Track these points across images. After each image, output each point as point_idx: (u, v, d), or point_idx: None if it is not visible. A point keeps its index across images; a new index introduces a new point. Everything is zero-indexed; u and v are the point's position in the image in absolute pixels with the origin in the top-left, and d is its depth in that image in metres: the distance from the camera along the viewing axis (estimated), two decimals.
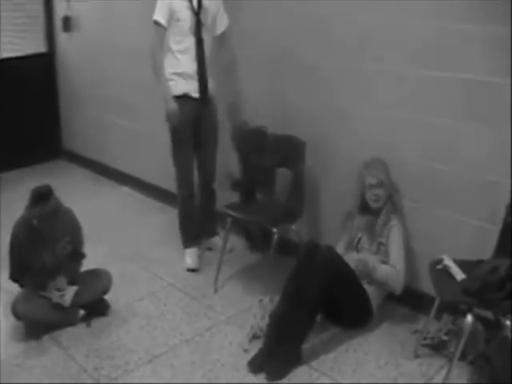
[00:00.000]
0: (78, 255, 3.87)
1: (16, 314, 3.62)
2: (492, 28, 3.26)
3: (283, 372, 3.33)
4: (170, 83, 4.22)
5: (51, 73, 7.10)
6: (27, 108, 6.80)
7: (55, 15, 6.83)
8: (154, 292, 4.23)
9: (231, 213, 4.15)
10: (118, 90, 6.15)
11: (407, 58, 3.67)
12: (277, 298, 3.56)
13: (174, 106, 4.19)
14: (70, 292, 3.74)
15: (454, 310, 3.50)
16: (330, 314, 3.67)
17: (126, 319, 3.89)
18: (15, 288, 3.79)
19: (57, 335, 3.72)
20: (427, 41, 3.55)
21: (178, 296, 4.18)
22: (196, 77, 4.21)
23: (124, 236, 5.15)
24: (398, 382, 3.30)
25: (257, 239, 4.70)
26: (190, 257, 4.56)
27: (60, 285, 3.71)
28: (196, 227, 4.68)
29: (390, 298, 3.79)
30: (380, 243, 3.75)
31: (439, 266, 3.31)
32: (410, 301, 3.89)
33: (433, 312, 3.39)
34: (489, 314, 3.29)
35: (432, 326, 3.55)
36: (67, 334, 3.73)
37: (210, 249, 4.78)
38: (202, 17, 4.16)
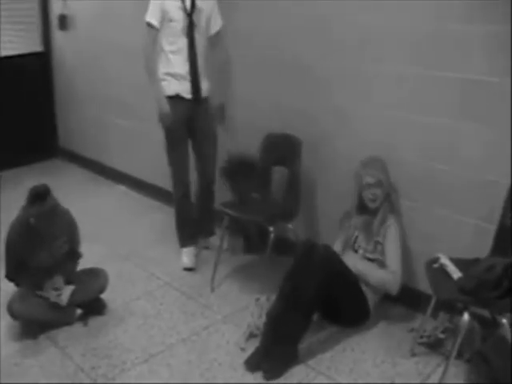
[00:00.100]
0: (74, 255, 3.86)
1: (12, 313, 3.61)
2: (491, 28, 3.26)
3: (280, 371, 3.33)
4: (163, 83, 4.21)
5: (47, 71, 7.10)
6: (23, 107, 6.80)
7: (51, 13, 6.83)
8: (150, 291, 4.22)
9: (228, 211, 4.15)
10: (115, 88, 6.15)
11: (406, 57, 3.67)
12: (274, 297, 3.55)
13: (165, 107, 4.19)
14: (67, 291, 3.73)
15: (451, 309, 3.50)
16: (327, 313, 3.67)
17: (122, 318, 3.88)
18: (11, 287, 3.78)
19: (53, 334, 3.71)
20: (426, 40, 3.55)
21: (175, 295, 4.18)
22: (188, 77, 4.20)
23: (121, 235, 5.15)
24: (395, 380, 3.30)
25: (254, 238, 4.69)
26: (186, 256, 4.56)
27: (57, 284, 3.70)
28: (192, 226, 4.67)
29: (387, 297, 3.79)
30: (377, 242, 3.74)
31: (436, 265, 3.31)
32: (407, 300, 3.89)
33: (429, 310, 3.40)
34: (485, 313, 3.29)
35: (428, 324, 3.56)
36: (64, 334, 3.72)
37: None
38: (195, 18, 4.14)
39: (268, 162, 4.42)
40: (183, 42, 4.15)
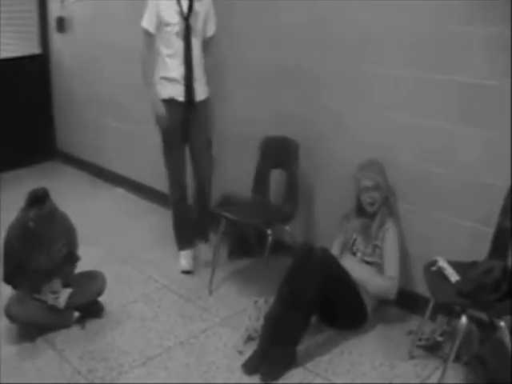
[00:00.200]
0: (72, 258, 3.86)
1: (10, 316, 3.60)
2: (491, 30, 3.26)
3: (278, 374, 3.33)
4: (158, 87, 4.22)
5: (45, 74, 7.09)
6: (21, 109, 6.78)
7: (49, 16, 6.82)
8: (148, 294, 4.22)
9: (225, 214, 4.14)
10: (113, 91, 6.15)
11: (405, 60, 3.68)
12: (272, 300, 3.56)
13: (161, 110, 4.21)
14: (65, 294, 3.73)
15: (449, 312, 3.50)
16: (325, 315, 3.67)
17: (120, 321, 3.88)
18: (8, 290, 3.77)
19: (51, 337, 3.71)
20: (425, 43, 3.56)
21: (173, 298, 4.17)
22: (182, 81, 4.18)
23: (119, 238, 5.15)
24: (393, 383, 3.30)
25: (252, 241, 4.68)
26: (184, 259, 4.55)
27: (55, 287, 3.70)
28: (190, 229, 4.66)
29: (385, 300, 3.79)
30: (375, 246, 3.75)
31: (434, 268, 3.31)
32: (405, 302, 3.89)
33: (427, 313, 3.39)
34: (483, 316, 3.29)
35: (427, 327, 3.56)
36: (61, 336, 3.72)
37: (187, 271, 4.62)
38: (192, 21, 4.12)
39: (265, 164, 4.43)
40: (179, 46, 4.13)
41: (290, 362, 3.40)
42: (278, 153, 4.35)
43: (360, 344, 3.65)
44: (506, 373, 3.03)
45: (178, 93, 4.20)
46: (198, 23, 4.16)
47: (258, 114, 4.64)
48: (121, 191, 6.21)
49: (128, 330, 3.79)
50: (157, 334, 3.75)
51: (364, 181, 3.74)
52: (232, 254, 4.69)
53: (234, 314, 3.95)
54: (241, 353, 3.51)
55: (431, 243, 3.73)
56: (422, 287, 3.59)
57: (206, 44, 4.30)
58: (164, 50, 4.18)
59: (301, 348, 3.46)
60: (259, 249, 4.28)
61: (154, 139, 4.62)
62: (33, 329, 3.71)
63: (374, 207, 3.77)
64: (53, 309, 3.70)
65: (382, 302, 3.81)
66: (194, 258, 4.60)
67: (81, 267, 3.93)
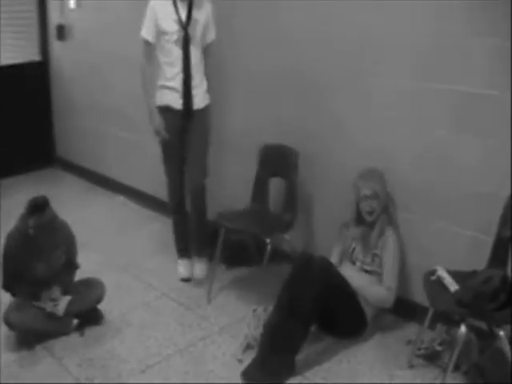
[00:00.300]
0: (72, 266, 3.86)
1: (8, 323, 3.60)
2: (492, 41, 3.27)
3: (277, 382, 3.32)
4: (157, 94, 4.24)
5: (45, 81, 7.09)
6: (21, 116, 6.78)
7: (49, 23, 6.83)
8: (147, 302, 4.22)
9: (224, 223, 4.15)
10: (112, 98, 6.15)
11: (406, 69, 3.69)
12: (271, 308, 3.56)
13: (158, 124, 4.24)
14: (64, 301, 3.73)
15: (448, 321, 3.50)
16: (324, 324, 3.67)
17: (119, 329, 3.88)
18: (7, 297, 3.77)
19: (50, 345, 3.70)
20: (426, 52, 3.57)
21: (172, 306, 4.17)
22: (180, 89, 4.18)
23: (118, 245, 5.14)
24: None
25: (251, 250, 4.68)
26: (182, 267, 4.55)
27: (54, 295, 3.70)
28: (187, 238, 4.65)
29: (384, 308, 3.79)
30: (374, 254, 3.75)
31: (433, 277, 3.32)
32: (404, 311, 3.89)
33: (426, 322, 3.38)
34: (482, 325, 3.30)
35: (426, 336, 3.55)
36: (60, 344, 3.71)
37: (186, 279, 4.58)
38: (191, 29, 4.10)
39: (265, 173, 4.43)
40: (178, 54, 4.12)
41: (289, 370, 3.39)
42: (277, 161, 4.35)
43: (359, 353, 3.65)
44: (506, 382, 3.04)
45: (176, 101, 4.20)
46: (196, 31, 4.14)
47: (257, 122, 4.65)
48: (121, 199, 6.20)
49: (127, 337, 3.79)
50: (156, 341, 3.74)
51: (363, 189, 3.75)
52: (230, 263, 4.68)
53: (232, 322, 3.95)
54: (240, 361, 3.51)
55: (430, 252, 3.73)
56: (420, 296, 3.60)
57: (206, 51, 4.29)
58: (163, 59, 4.19)
59: (300, 356, 3.46)
60: (258, 257, 4.28)
61: (153, 147, 4.63)
62: (32, 336, 3.70)
63: (373, 216, 3.78)
64: (52, 316, 3.70)
65: (382, 310, 3.81)
66: (193, 266, 4.59)
67: (80, 275, 3.93)
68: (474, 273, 3.20)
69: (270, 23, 4.40)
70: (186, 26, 4.08)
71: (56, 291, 3.71)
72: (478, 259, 3.37)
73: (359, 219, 3.86)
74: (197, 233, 4.53)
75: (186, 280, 4.48)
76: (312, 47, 4.17)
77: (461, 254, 3.59)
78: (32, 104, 6.97)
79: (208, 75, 4.30)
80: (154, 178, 5.21)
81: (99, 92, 6.35)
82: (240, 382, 3.35)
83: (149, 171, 5.66)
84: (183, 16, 4.09)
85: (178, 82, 4.15)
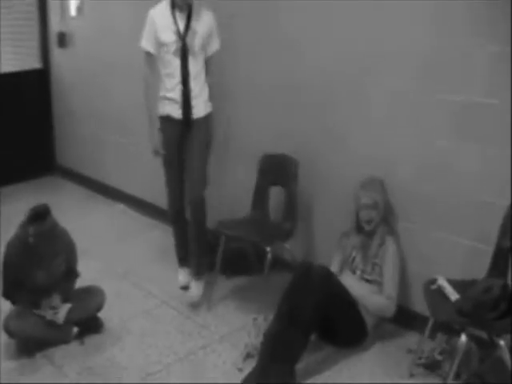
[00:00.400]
0: (72, 274, 3.86)
1: (9, 331, 3.60)
2: (492, 49, 3.29)
3: None
4: (159, 104, 4.25)
5: (46, 88, 7.12)
6: (21, 123, 6.80)
7: (50, 31, 6.85)
8: (147, 310, 4.21)
9: (225, 231, 4.15)
10: (113, 106, 6.17)
11: (406, 77, 3.70)
12: (271, 317, 3.55)
13: (156, 142, 4.28)
14: (64, 309, 3.72)
15: (448, 330, 3.50)
16: (325, 333, 3.67)
17: (119, 337, 3.88)
18: (7, 305, 3.77)
19: (50, 353, 3.70)
20: (426, 61, 3.58)
21: (172, 314, 4.17)
22: (180, 100, 4.17)
23: (118, 253, 5.14)
24: None
25: (251, 258, 4.68)
26: (182, 275, 4.55)
27: (54, 303, 3.70)
28: (186, 246, 4.61)
29: (384, 317, 3.80)
30: (374, 263, 3.76)
31: (433, 287, 3.32)
32: (404, 320, 3.89)
33: (427, 332, 3.39)
34: (483, 334, 3.30)
35: (426, 345, 3.55)
36: (60, 352, 3.71)
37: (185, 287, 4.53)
38: (189, 40, 4.07)
39: (265, 182, 4.44)
40: (177, 65, 4.10)
41: (289, 379, 3.37)
42: (277, 170, 4.37)
43: (359, 362, 3.64)
44: None
45: (175, 111, 4.19)
46: (195, 42, 4.10)
47: (257, 131, 4.66)
48: (121, 207, 6.20)
49: (127, 345, 3.79)
50: (156, 350, 3.74)
51: (363, 198, 3.76)
52: (230, 271, 4.67)
53: (233, 330, 3.94)
54: (240, 370, 3.50)
55: (430, 261, 3.74)
56: (420, 305, 3.60)
57: (208, 62, 4.26)
58: (163, 70, 4.18)
59: (300, 365, 3.44)
60: (259, 266, 4.28)
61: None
62: (32, 344, 3.70)
63: (371, 225, 3.78)
64: (52, 324, 3.69)
65: (382, 319, 3.81)
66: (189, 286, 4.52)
67: (80, 282, 3.93)
68: (474, 282, 3.20)
69: (272, 35, 4.42)
70: (184, 36, 4.06)
71: (56, 299, 3.71)
72: (477, 268, 3.37)
73: (359, 228, 3.87)
74: (194, 246, 4.40)
75: (186, 288, 4.47)
76: (312, 59, 4.18)
77: (460, 263, 3.60)
78: (32, 112, 6.99)
79: (211, 85, 4.29)
80: (153, 186, 5.21)
81: (100, 99, 6.36)
82: None
83: (148, 179, 5.66)
84: (181, 27, 4.07)
85: (177, 93, 4.14)
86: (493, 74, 3.32)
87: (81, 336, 3.82)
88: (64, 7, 6.51)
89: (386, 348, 3.78)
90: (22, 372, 3.52)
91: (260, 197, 4.46)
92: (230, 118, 4.81)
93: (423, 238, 3.78)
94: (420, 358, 3.53)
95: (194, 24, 4.09)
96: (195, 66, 4.15)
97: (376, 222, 3.77)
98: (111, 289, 4.15)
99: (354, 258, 3.87)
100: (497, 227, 3.31)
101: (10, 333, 3.61)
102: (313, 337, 3.55)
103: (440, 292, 3.27)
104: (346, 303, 3.59)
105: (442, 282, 3.31)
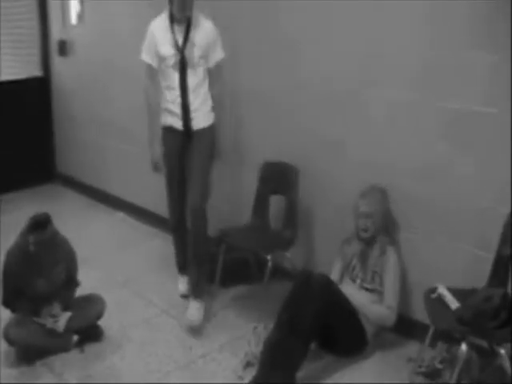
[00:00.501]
0: (72, 282, 3.86)
1: (8, 339, 3.60)
2: (491, 58, 3.30)
3: None
4: (161, 115, 4.26)
5: (46, 96, 7.12)
6: (22, 131, 6.80)
7: (51, 39, 6.87)
8: (148, 318, 4.21)
9: (225, 239, 4.15)
10: (113, 114, 6.17)
11: (405, 85, 3.72)
12: (271, 326, 3.55)
13: (156, 155, 4.30)
14: (64, 317, 3.72)
15: (449, 339, 3.50)
16: (325, 342, 3.66)
17: (119, 345, 3.87)
18: (7, 313, 3.76)
19: (50, 361, 3.69)
20: (425, 69, 3.60)
21: (172, 323, 4.16)
22: (179, 112, 4.16)
23: (118, 262, 5.14)
24: None
25: (251, 267, 4.67)
26: (182, 283, 4.54)
27: (54, 311, 3.70)
28: (185, 255, 4.59)
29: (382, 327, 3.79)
30: (374, 272, 3.76)
31: (434, 295, 3.32)
32: (404, 329, 3.88)
33: (427, 340, 3.39)
34: (483, 343, 3.29)
35: (427, 354, 3.55)
36: (60, 360, 3.71)
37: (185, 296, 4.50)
38: (187, 53, 4.05)
39: (265, 190, 4.45)
40: (175, 78, 4.10)
41: None
42: (278, 178, 4.38)
43: (359, 370, 3.64)
44: None
45: (176, 122, 4.19)
46: (194, 54, 4.07)
47: (258, 139, 4.67)
48: (121, 215, 6.20)
49: (127, 354, 3.79)
50: (156, 358, 3.74)
51: (361, 207, 3.76)
52: (230, 280, 4.66)
53: (233, 339, 3.94)
54: (240, 378, 3.50)
55: (431, 269, 3.74)
56: (420, 314, 3.60)
57: (211, 73, 4.22)
58: (163, 83, 4.18)
59: (300, 374, 3.43)
60: (259, 274, 4.28)
61: None
62: (32, 352, 3.70)
63: (367, 234, 3.79)
64: (52, 332, 3.69)
65: (382, 328, 3.80)
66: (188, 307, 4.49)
67: (80, 291, 3.92)
68: (475, 291, 3.21)
69: (272, 42, 4.43)
70: (182, 49, 4.05)
71: (56, 307, 3.71)
72: (478, 276, 3.37)
73: (360, 236, 3.87)
74: (193, 262, 4.26)
75: (186, 296, 4.46)
76: (312, 65, 4.19)
77: (461, 271, 3.60)
78: (33, 120, 7.00)
79: (215, 95, 4.25)
80: (154, 194, 5.21)
81: (100, 107, 6.37)
82: None
83: (149, 187, 5.66)
84: (180, 39, 4.05)
85: (177, 106, 4.14)
86: (492, 83, 3.34)
87: (81, 344, 3.81)
88: (65, 15, 6.52)
89: (387, 357, 3.77)
90: (21, 380, 3.51)
91: (260, 205, 4.47)
92: (233, 125, 4.82)
93: (424, 246, 3.78)
94: (420, 367, 3.53)
95: (192, 36, 4.06)
96: (194, 79, 4.13)
97: (372, 231, 3.77)
98: (111, 297, 4.13)
99: (354, 267, 3.87)
100: (497, 234, 3.31)
101: (9, 341, 3.61)
102: (313, 345, 3.54)
103: (440, 300, 3.27)
104: (347, 312, 3.59)
105: (443, 290, 3.31)
